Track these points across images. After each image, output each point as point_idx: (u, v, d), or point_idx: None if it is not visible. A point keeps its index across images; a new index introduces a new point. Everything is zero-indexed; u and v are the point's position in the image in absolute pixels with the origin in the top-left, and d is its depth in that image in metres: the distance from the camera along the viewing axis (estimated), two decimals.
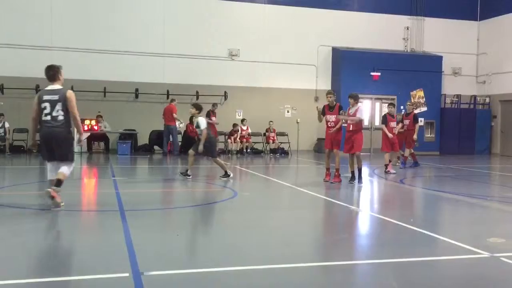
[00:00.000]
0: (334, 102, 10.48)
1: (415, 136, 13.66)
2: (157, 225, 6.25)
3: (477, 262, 4.84)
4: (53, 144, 6.65)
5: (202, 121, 10.44)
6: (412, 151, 13.98)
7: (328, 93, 10.67)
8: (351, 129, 10.10)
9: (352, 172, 10.05)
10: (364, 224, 6.87)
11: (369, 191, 10.39)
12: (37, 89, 17.09)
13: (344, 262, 4.80)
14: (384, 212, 7.65)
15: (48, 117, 6.61)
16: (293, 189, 9.63)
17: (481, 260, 4.85)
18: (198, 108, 10.65)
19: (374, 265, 4.70)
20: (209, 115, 17.26)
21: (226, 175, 10.50)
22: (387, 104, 13.93)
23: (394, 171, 12.39)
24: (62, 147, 6.70)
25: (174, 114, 16.75)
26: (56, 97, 6.68)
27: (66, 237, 5.58)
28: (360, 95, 19.28)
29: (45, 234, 5.78)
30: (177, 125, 16.99)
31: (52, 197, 6.57)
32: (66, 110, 6.65)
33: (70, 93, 6.77)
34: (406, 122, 13.81)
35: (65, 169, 6.75)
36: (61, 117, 6.63)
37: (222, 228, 6.30)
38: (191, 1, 18.93)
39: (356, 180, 9.98)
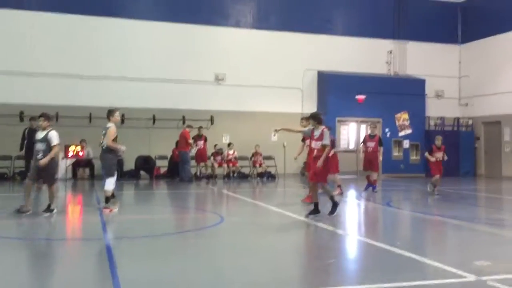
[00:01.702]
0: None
1: (380, 158, 13.59)
2: (143, 253, 6.16)
3: (464, 286, 4.83)
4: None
5: (54, 135, 8.84)
6: (367, 174, 13.61)
7: (301, 118, 10.98)
8: (315, 154, 8.78)
9: (316, 204, 8.72)
10: (351, 249, 6.85)
11: (355, 214, 10.40)
12: (20, 115, 16.97)
13: (332, 287, 4.77)
14: (370, 235, 7.65)
15: (101, 146, 9.29)
16: (280, 214, 9.59)
17: (468, 284, 4.84)
18: (49, 119, 9.20)
19: None
20: (194, 139, 17.26)
21: (49, 210, 8.76)
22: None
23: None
24: (102, 164, 9.47)
25: (190, 140, 16.51)
26: (104, 131, 9.19)
27: (48, 269, 5.47)
28: (346, 118, 20.14)
29: (26, 265, 5.66)
30: (190, 151, 16.75)
31: (110, 210, 8.97)
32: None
33: (110, 129, 9.10)
34: (371, 144, 13.49)
35: (106, 186, 9.15)
36: (104, 146, 9.15)
37: (209, 254, 6.22)
38: (177, 25, 19.06)
39: (330, 211, 8.72)
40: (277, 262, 5.83)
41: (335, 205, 8.71)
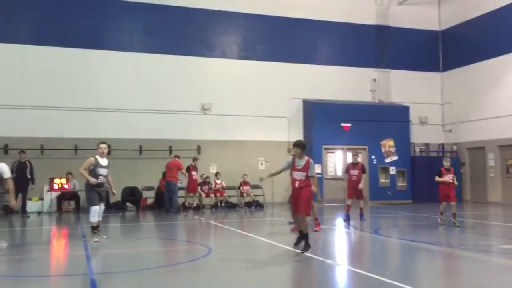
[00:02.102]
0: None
1: (360, 185, 13.00)
2: None
3: None
4: None
5: (5, 168, 8.62)
6: (349, 203, 13.22)
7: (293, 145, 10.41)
8: (297, 185, 8.37)
9: (304, 234, 8.41)
10: (341, 279, 6.79)
11: (344, 243, 10.36)
12: (5, 148, 16.79)
13: None
14: (360, 265, 7.59)
15: None
16: (269, 244, 9.50)
17: None
18: None
19: None
20: (188, 169, 17.22)
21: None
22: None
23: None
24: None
25: (183, 170, 16.67)
26: None
27: None
28: (332, 146, 20.25)
29: None
30: (179, 182, 16.82)
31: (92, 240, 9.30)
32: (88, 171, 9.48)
33: (87, 159, 9.66)
34: (355, 172, 13.07)
35: (90, 217, 9.48)
36: None
37: None
38: (163, 56, 19.22)
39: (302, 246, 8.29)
40: None
41: (307, 244, 8.21)
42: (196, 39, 19.76)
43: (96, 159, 9.67)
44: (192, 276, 6.85)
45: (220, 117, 19.54)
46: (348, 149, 20.36)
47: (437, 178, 12.11)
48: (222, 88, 19.72)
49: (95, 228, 9.53)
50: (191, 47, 19.62)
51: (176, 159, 16.82)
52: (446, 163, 12.18)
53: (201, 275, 6.93)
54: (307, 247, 8.22)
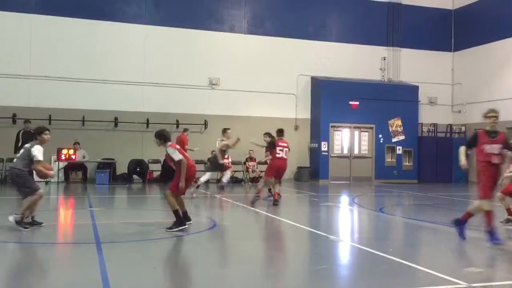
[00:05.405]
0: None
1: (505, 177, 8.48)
2: (134, 258, 6.13)
3: None
4: None
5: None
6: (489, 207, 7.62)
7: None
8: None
9: (183, 213, 7.93)
10: (344, 255, 6.86)
11: (348, 220, 10.42)
12: (13, 118, 16.89)
13: None
14: (363, 241, 7.66)
15: None
16: (273, 219, 9.58)
17: None
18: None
19: None
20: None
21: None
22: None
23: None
24: None
25: (186, 146, 15.59)
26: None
27: (39, 272, 5.43)
28: (339, 124, 20.18)
29: (17, 268, 5.61)
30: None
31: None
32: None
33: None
34: (494, 149, 7.18)
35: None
36: None
37: (202, 260, 6.20)
38: (171, 30, 19.09)
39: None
40: (271, 268, 5.81)
41: (177, 222, 7.67)
42: (205, 13, 19.56)
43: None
44: (197, 247, 6.93)
45: (227, 92, 19.48)
46: (355, 128, 20.31)
47: None
48: (230, 63, 19.60)
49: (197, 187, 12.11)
50: (200, 20, 19.45)
51: (184, 133, 16.55)
52: None
53: (205, 247, 7.01)
54: (173, 225, 7.63)
